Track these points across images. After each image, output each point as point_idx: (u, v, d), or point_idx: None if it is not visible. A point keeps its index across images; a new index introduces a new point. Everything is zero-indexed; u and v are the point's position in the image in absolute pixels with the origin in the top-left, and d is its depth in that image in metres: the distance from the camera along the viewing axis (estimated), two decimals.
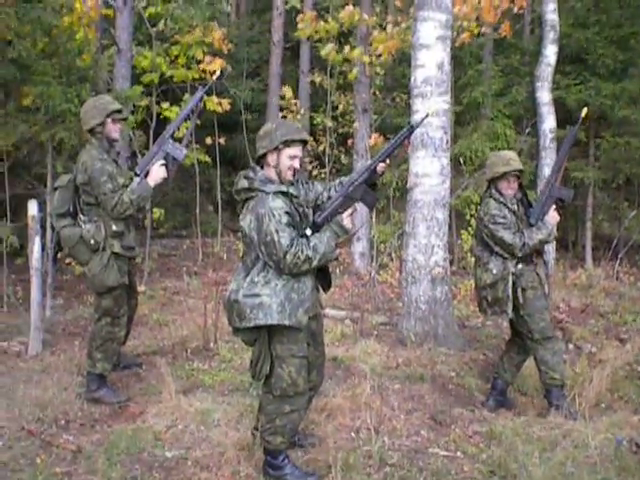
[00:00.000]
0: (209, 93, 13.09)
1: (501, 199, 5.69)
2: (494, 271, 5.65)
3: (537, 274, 5.71)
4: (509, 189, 5.72)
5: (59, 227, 5.66)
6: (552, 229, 5.60)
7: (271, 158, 4.22)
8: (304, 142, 4.34)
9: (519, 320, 5.71)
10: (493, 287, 5.66)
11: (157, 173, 5.65)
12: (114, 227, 5.59)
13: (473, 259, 6.11)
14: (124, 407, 5.55)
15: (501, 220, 5.59)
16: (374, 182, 4.38)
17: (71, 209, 5.68)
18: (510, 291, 5.58)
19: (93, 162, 5.51)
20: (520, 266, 5.63)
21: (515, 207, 5.72)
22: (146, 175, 5.65)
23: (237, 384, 6.01)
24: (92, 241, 5.53)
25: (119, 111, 5.78)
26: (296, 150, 4.25)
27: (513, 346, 6.03)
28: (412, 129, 4.33)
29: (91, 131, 5.68)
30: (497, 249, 5.64)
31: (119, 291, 5.71)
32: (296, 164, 4.26)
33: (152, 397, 5.68)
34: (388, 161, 4.35)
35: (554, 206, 5.66)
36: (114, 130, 5.76)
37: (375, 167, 4.34)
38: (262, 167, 4.28)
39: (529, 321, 5.66)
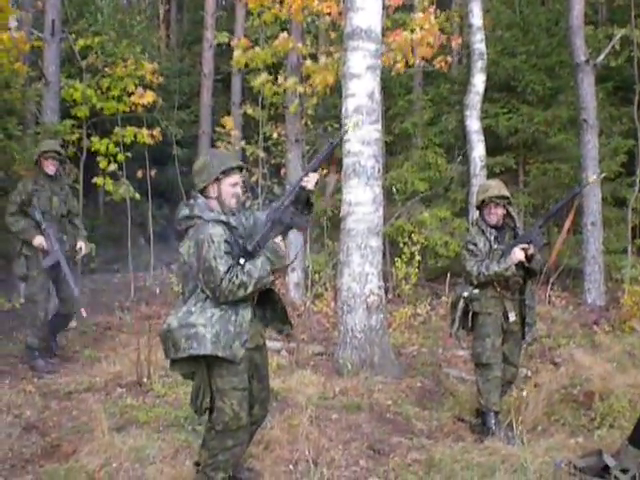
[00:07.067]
0: (140, 126, 13.00)
1: (482, 227, 5.95)
2: (455, 293, 6.02)
3: (499, 300, 5.87)
4: (490, 215, 5.94)
5: None
6: (510, 265, 5.67)
7: (212, 190, 4.23)
8: (241, 168, 4.35)
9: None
10: (453, 308, 6.00)
11: None
12: None
13: None
14: (56, 446, 5.37)
15: (471, 247, 5.90)
16: (308, 199, 4.35)
17: None
18: (459, 314, 5.89)
19: None
20: (475, 291, 5.85)
21: (492, 237, 5.92)
22: None
23: (172, 420, 5.87)
24: None
25: None
26: (235, 177, 4.28)
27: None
28: (332, 146, 4.34)
29: None
30: (463, 273, 5.96)
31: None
32: (238, 190, 4.28)
33: (85, 435, 5.51)
34: (316, 176, 4.30)
35: (523, 245, 5.74)
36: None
37: (299, 187, 4.29)
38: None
39: (473, 345, 5.97)
